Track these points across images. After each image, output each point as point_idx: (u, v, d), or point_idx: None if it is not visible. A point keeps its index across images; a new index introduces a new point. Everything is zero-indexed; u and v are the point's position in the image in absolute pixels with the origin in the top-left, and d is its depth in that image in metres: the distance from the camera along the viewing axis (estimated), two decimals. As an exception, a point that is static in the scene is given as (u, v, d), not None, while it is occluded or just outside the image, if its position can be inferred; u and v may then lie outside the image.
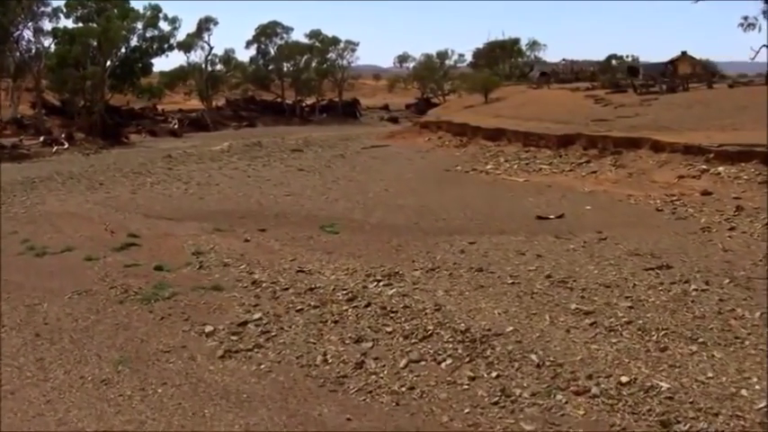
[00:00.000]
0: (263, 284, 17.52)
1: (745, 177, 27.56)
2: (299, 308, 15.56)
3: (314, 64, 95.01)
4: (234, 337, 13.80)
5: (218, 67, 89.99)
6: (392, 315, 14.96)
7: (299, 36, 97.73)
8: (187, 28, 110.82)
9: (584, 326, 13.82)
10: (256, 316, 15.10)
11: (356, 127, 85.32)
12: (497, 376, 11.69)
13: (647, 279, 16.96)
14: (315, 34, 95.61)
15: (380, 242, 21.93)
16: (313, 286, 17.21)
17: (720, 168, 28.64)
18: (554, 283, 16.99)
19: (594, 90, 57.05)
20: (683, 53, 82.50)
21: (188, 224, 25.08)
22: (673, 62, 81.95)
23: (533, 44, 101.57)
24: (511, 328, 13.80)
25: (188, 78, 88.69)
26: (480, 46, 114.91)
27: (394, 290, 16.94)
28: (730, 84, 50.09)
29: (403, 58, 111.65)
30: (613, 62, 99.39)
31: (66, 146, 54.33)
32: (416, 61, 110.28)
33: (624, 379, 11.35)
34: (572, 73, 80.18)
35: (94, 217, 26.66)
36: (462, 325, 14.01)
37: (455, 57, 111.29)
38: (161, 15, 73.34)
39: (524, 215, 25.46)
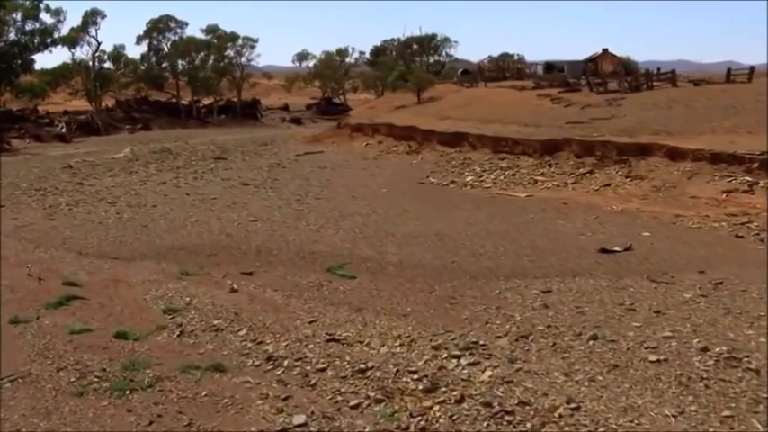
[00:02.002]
0: (285, 362, 11.98)
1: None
2: (353, 402, 10.32)
3: (211, 62, 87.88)
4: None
5: (107, 64, 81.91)
6: (507, 418, 9.86)
7: (194, 31, 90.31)
8: (72, 21, 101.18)
9: None
10: (298, 420, 9.72)
11: (260, 129, 79.53)
12: None
13: None
14: (212, 30, 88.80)
15: (420, 291, 16.66)
16: (362, 366, 11.69)
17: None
18: (720, 361, 11.91)
19: (544, 89, 52.71)
20: (605, 50, 79.77)
21: (142, 265, 19.21)
22: (594, 60, 79.13)
23: (445, 41, 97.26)
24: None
25: (73, 77, 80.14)
26: (378, 44, 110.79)
27: (488, 372, 11.72)
28: (696, 82, 46.56)
29: (302, 56, 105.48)
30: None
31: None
32: (317, 59, 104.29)
33: None
34: (499, 70, 76.06)
35: (9, 255, 20.14)
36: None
37: (355, 54, 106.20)
38: (42, 6, 65.31)
39: (577, 246, 20.52)
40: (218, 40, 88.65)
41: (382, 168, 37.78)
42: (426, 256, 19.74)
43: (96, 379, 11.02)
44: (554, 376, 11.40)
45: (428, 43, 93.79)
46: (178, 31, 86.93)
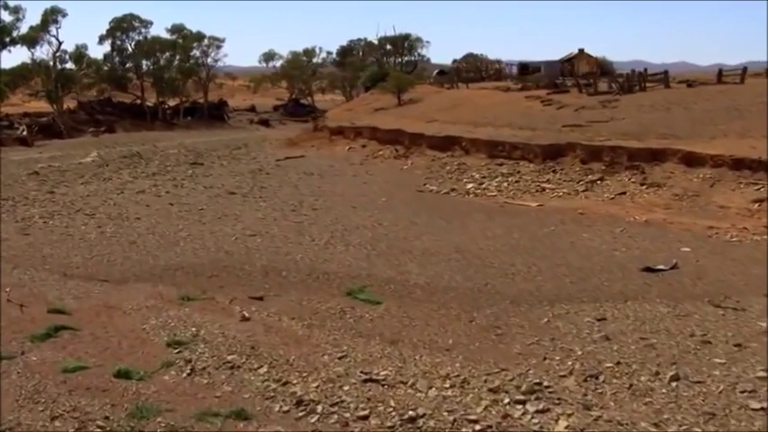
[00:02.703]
0: (318, 407, 10.29)
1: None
2: (410, 462, 8.43)
3: (177, 62, 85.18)
4: None
5: (69, 64, 78.87)
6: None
7: (159, 31, 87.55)
8: (32, 20, 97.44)
9: None
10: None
11: (229, 131, 77.36)
12: None
13: None
14: (177, 29, 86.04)
15: (457, 319, 14.98)
16: (411, 413, 10.11)
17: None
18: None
19: (530, 90, 51.06)
20: (581, 50, 78.40)
21: (135, 288, 17.33)
22: (570, 60, 77.75)
23: (416, 41, 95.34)
24: None
25: (33, 77, 77.03)
26: (344, 44, 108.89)
27: (563, 422, 10.27)
28: (689, 83, 45.20)
29: (269, 56, 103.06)
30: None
31: None
32: (284, 59, 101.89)
33: None
34: (477, 71, 74.35)
35: (-17, 278, 18.05)
36: None
37: (323, 54, 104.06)
38: (1, 4, 62.13)
39: (616, 264, 18.86)
40: (184, 39, 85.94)
41: (373, 174, 35.84)
42: (455, 277, 17.87)
43: (99, 430, 9.37)
44: (642, 427, 9.84)
45: (402, 43, 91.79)
46: (142, 30, 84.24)
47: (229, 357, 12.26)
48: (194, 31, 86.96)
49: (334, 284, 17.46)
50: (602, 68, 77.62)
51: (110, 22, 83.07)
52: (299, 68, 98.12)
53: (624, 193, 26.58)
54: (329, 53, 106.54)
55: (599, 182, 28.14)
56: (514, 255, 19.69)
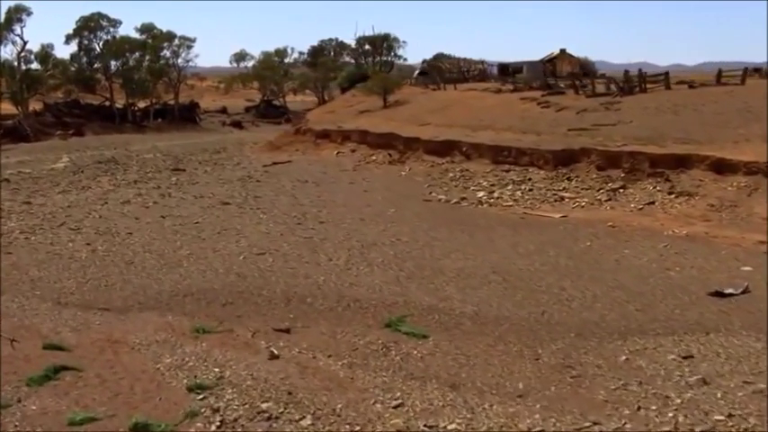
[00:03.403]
0: None
1: None
2: None
3: (146, 62, 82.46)
4: None
5: (34, 65, 76.09)
6: None
7: (128, 30, 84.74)
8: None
9: None
10: None
11: (202, 134, 75.01)
12: None
13: None
14: (147, 28, 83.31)
15: (520, 357, 13.26)
16: None
17: None
18: None
19: (522, 91, 49.27)
20: (562, 51, 76.95)
21: (141, 318, 15.39)
22: (551, 60, 76.27)
23: (394, 41, 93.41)
24: None
25: (-4, 79, 74.24)
26: (315, 44, 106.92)
27: None
28: (690, 84, 43.63)
29: (240, 57, 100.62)
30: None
31: None
32: (255, 59, 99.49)
33: None
34: (460, 72, 72.49)
35: (-37, 306, 15.90)
36: None
37: (294, 55, 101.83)
38: (-38, 2, 59.37)
39: (679, 287, 17.13)
40: (154, 39, 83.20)
41: (371, 182, 33.82)
42: (504, 304, 15.93)
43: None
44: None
45: (381, 43, 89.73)
46: (110, 29, 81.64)
47: (264, 405, 10.35)
48: (164, 30, 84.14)
49: (368, 313, 15.50)
50: (584, 69, 76.35)
51: (77, 21, 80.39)
52: (272, 69, 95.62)
53: (652, 202, 24.83)
54: (301, 53, 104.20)
55: (621, 190, 26.41)
56: (560, 276, 17.79)
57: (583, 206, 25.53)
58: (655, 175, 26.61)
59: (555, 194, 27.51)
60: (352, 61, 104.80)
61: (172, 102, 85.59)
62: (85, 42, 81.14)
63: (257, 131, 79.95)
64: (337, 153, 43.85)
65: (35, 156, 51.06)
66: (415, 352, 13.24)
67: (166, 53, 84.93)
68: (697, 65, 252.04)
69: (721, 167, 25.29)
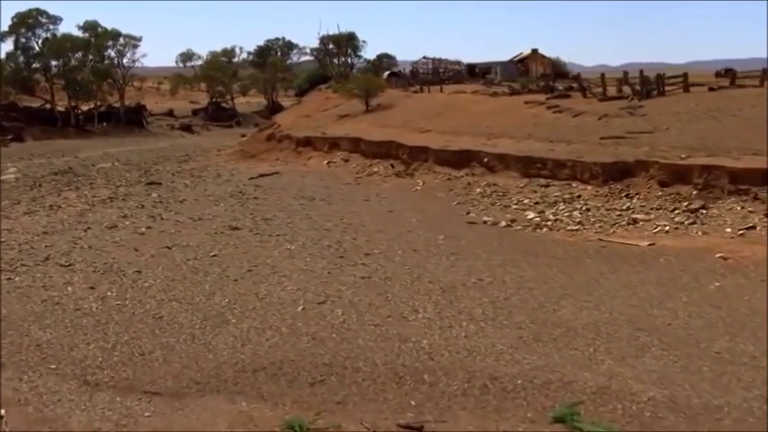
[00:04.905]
0: None
1: None
2: None
3: (90, 62, 76.91)
4: None
5: (-34, 66, 69.93)
6: None
7: (69, 28, 79.03)
8: None
9: None
10: None
11: (152, 139, 70.40)
12: None
13: None
14: (90, 26, 77.73)
15: None
16: None
17: None
18: None
19: (521, 95, 45.76)
20: (534, 51, 74.06)
21: (204, 405, 11.47)
22: (523, 60, 73.33)
23: (357, 41, 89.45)
24: None
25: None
26: (261, 44, 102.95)
27: None
28: (712, 87, 40.59)
29: (187, 57, 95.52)
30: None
31: None
32: (203, 59, 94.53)
33: None
34: (435, 73, 68.83)
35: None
36: None
37: (243, 55, 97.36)
38: None
39: None
40: (97, 38, 77.64)
41: (388, 199, 29.79)
42: (698, 383, 11.98)
43: None
44: None
45: (346, 42, 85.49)
46: (50, 27, 75.91)
47: None
48: (109, 28, 78.68)
49: (519, 399, 11.58)
50: (556, 69, 73.69)
51: (12, 18, 74.31)
52: (220, 69, 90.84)
53: (753, 227, 21.26)
54: (249, 53, 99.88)
55: (702, 211, 22.80)
56: (726, 334, 13.99)
57: (667, 231, 21.89)
58: (737, 193, 23.15)
59: (619, 215, 23.93)
60: (303, 60, 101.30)
61: (117, 104, 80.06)
62: (23, 40, 75.45)
63: (210, 136, 75.53)
64: (328, 163, 39.72)
65: (-24, 165, 45.81)
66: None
67: (111, 53, 79.41)
68: (620, 65, 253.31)
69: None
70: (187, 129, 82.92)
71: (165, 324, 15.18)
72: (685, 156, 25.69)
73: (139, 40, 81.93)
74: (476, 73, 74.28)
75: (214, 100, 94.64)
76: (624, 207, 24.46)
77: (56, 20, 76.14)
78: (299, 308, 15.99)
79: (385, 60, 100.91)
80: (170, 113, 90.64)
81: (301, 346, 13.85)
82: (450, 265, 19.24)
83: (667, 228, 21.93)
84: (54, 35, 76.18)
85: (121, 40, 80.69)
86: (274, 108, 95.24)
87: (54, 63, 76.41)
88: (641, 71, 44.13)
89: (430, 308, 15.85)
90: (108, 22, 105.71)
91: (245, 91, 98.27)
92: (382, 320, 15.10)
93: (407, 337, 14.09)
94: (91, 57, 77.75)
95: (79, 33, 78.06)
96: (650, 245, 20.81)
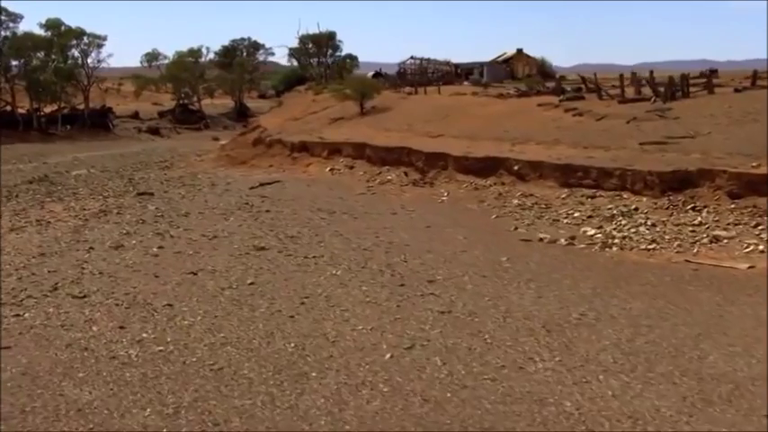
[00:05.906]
0: None
1: None
2: None
3: (53, 62, 73.03)
4: None
5: None
6: None
7: (31, 26, 75.07)
8: None
9: None
10: None
11: (120, 142, 67.33)
12: None
13: None
14: (53, 24, 73.79)
15: None
16: None
17: None
18: None
19: (530, 96, 43.30)
20: (519, 51, 71.88)
21: None
22: (508, 60, 71.06)
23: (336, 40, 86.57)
24: None
25: None
26: (226, 44, 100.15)
27: None
28: (737, 88, 38.53)
29: (152, 57, 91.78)
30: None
31: None
32: (169, 59, 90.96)
33: None
34: (423, 74, 66.13)
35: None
36: None
37: (210, 55, 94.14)
38: None
39: None
40: (61, 36, 73.75)
41: (418, 211, 27.07)
42: None
43: None
44: None
45: (326, 42, 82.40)
46: (10, 24, 71.75)
47: None
48: (72, 27, 74.83)
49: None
50: (541, 70, 71.72)
51: (-30, 15, 70.05)
52: (187, 70, 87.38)
53: None
54: (216, 53, 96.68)
55: (784, 226, 20.43)
56: None
57: (762, 251, 19.36)
58: (823, 206, 20.75)
59: (693, 231, 21.46)
60: (270, 61, 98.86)
61: (81, 106, 76.25)
62: (-19, 39, 71.09)
63: (181, 139, 72.39)
64: (331, 170, 36.83)
65: (-60, 173, 42.22)
66: None
67: (75, 52, 75.58)
68: (597, 64, 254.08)
69: None
70: (155, 132, 79.64)
71: (229, 379, 12.22)
72: (756, 164, 23.18)
73: (104, 39, 78.50)
74: (458, 74, 71.93)
75: (181, 102, 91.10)
76: (695, 222, 21.98)
77: (16, 17, 72.33)
78: (387, 355, 13.14)
79: (348, 62, 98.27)
80: (135, 116, 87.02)
81: (415, 411, 11.01)
82: (537, 295, 16.52)
83: (761, 247, 19.38)
84: (14, 33, 72.30)
85: (86, 40, 77.05)
86: (242, 110, 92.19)
87: (15, 63, 72.34)
88: (651, 71, 42.08)
89: (545, 354, 13.09)
90: (72, 21, 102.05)
91: (212, 92, 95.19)
92: (497, 373, 12.30)
93: (542, 398, 11.32)
94: (54, 56, 73.82)
95: (41, 32, 74.21)
96: (750, 267, 18.27)
